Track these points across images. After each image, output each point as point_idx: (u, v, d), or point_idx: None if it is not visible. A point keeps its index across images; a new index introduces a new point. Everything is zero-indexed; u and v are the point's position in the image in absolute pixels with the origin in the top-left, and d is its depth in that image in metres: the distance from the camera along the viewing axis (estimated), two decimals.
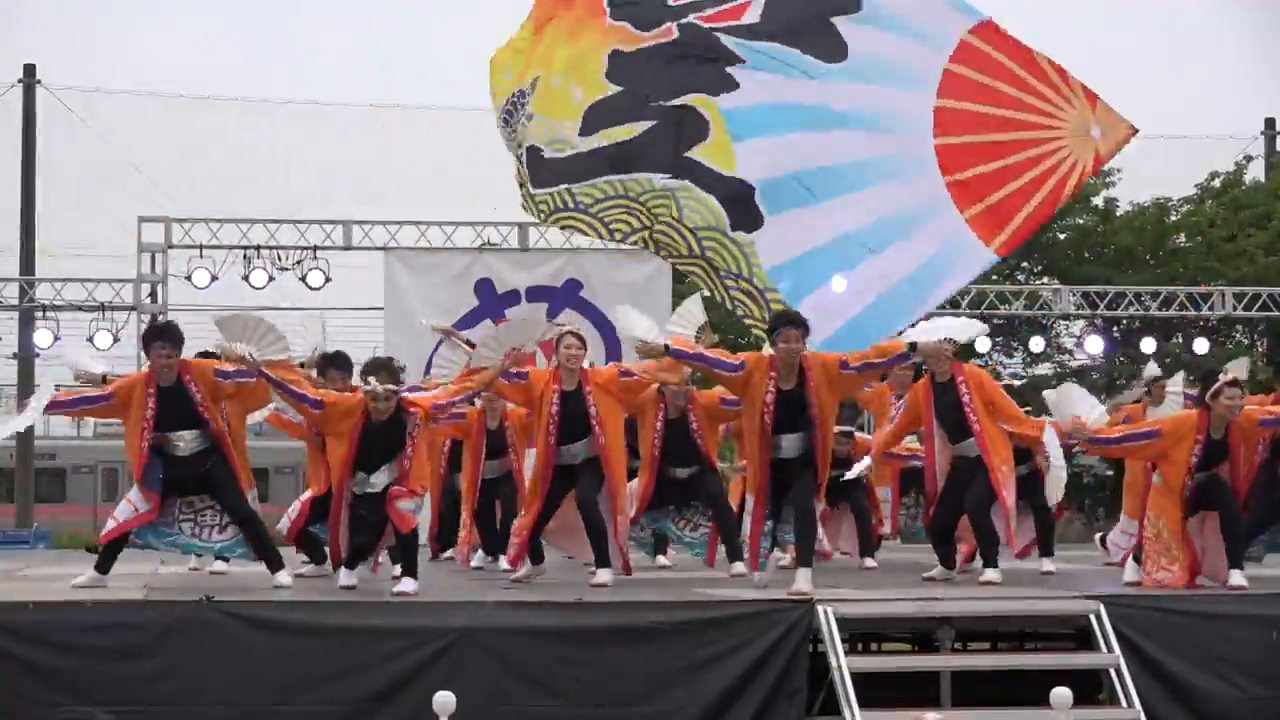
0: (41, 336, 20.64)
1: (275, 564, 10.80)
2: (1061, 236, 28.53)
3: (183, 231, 19.89)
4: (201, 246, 19.81)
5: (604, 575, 10.81)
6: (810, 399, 10.42)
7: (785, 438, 10.47)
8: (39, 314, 20.76)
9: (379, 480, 10.40)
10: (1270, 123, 31.51)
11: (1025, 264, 28.85)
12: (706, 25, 11.80)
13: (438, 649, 9.24)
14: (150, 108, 31.71)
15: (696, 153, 11.64)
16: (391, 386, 10.35)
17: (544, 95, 11.90)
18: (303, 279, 19.72)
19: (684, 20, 11.83)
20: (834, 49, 11.71)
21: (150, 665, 9.14)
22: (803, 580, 9.95)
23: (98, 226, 32.84)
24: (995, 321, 24.94)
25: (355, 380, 11.33)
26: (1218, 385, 10.64)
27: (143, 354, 11.45)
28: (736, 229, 11.50)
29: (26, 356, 26.18)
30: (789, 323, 10.48)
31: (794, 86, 11.71)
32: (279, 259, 19.86)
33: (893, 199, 11.61)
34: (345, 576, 10.51)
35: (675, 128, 11.70)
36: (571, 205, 11.76)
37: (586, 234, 12.03)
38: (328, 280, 19.73)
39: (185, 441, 10.69)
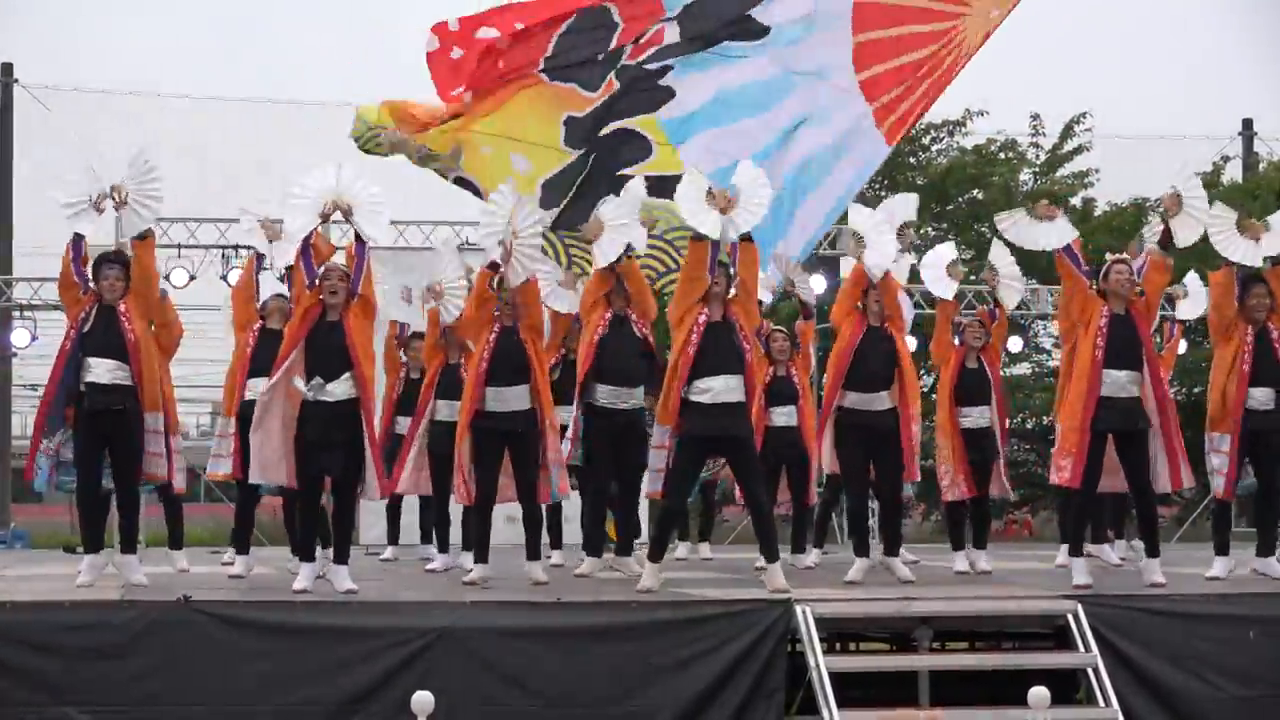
0: (19, 336, 20.64)
1: (130, 544, 10.74)
2: None
3: (161, 231, 19.83)
4: (180, 246, 19.82)
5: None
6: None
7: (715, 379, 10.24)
8: (16, 313, 20.73)
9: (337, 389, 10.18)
10: (1248, 123, 31.56)
11: None
12: (635, 62, 11.90)
13: (417, 648, 9.23)
14: (128, 107, 31.59)
15: (639, 168, 11.69)
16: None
17: (474, 164, 11.81)
18: (281, 278, 19.66)
19: (618, 65, 11.91)
20: (753, 30, 11.89)
21: (129, 665, 9.14)
22: (775, 576, 10.04)
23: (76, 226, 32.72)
24: None
25: None
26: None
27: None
28: None
29: (3, 356, 26.10)
30: None
31: (721, 75, 11.87)
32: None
33: (818, 138, 11.91)
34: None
35: (612, 153, 11.79)
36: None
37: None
38: None
39: (106, 370, 10.48)
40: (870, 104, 11.88)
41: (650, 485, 10.51)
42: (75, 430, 10.55)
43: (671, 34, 11.96)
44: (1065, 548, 11.76)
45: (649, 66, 11.90)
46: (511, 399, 10.70)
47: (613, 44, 11.88)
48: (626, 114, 11.83)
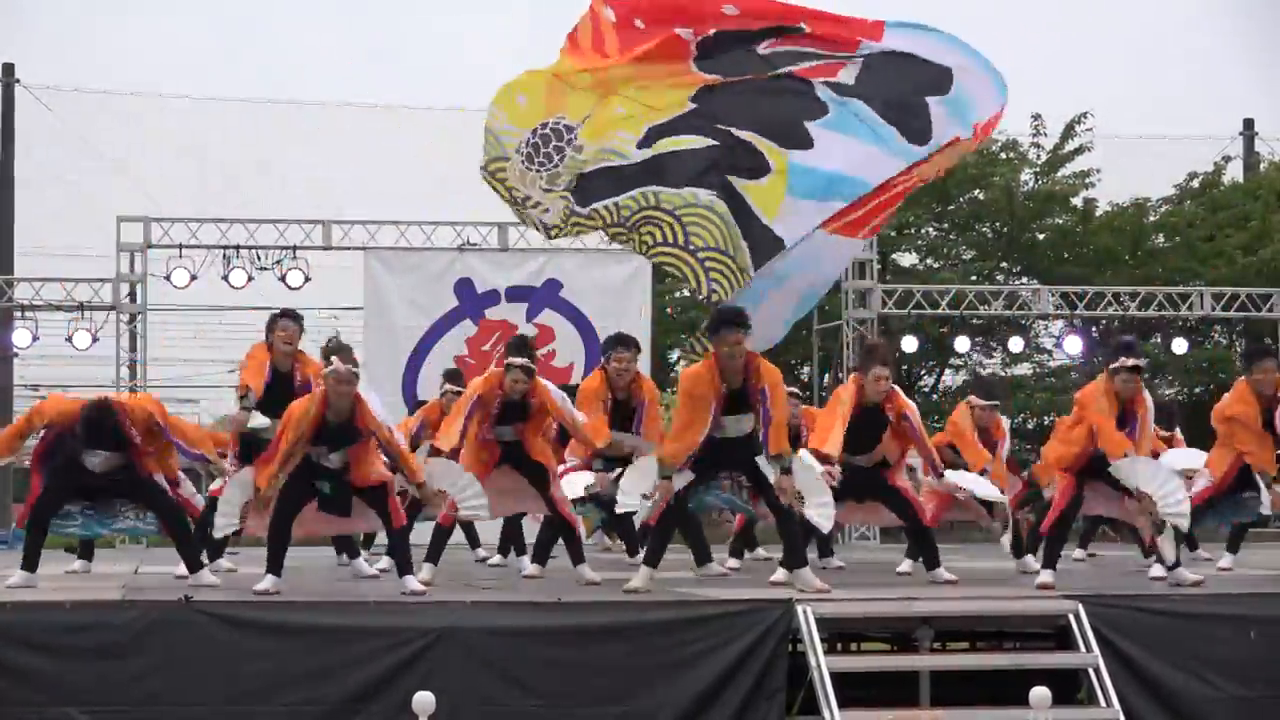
0: (20, 336, 20.58)
1: (194, 564, 10.79)
2: (1040, 237, 28.55)
3: (162, 231, 19.85)
4: (181, 246, 19.78)
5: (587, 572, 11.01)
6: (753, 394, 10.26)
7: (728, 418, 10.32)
8: (17, 314, 20.71)
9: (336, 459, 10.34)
10: (1249, 124, 31.57)
11: (1005, 264, 28.87)
12: (800, 77, 11.67)
13: (418, 649, 9.23)
14: (129, 107, 31.64)
15: (741, 186, 11.42)
16: (355, 370, 10.21)
17: (601, 122, 11.53)
18: (282, 279, 19.70)
19: (778, 70, 11.68)
20: (921, 130, 11.56)
21: (129, 666, 9.13)
22: (809, 579, 10.15)
23: (76, 226, 32.77)
24: (975, 322, 25.01)
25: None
26: None
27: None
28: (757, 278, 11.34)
29: (4, 356, 26.10)
30: (727, 323, 10.21)
31: (864, 158, 11.53)
32: (258, 259, 19.85)
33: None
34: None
35: (730, 152, 11.47)
36: (613, 219, 11.48)
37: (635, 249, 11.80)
38: (307, 280, 19.72)
39: (101, 459, 10.62)
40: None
41: (647, 512, 10.59)
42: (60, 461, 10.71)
43: (848, 75, 11.69)
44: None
45: (815, 90, 11.62)
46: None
47: (771, 47, 11.71)
48: (763, 129, 11.51)
